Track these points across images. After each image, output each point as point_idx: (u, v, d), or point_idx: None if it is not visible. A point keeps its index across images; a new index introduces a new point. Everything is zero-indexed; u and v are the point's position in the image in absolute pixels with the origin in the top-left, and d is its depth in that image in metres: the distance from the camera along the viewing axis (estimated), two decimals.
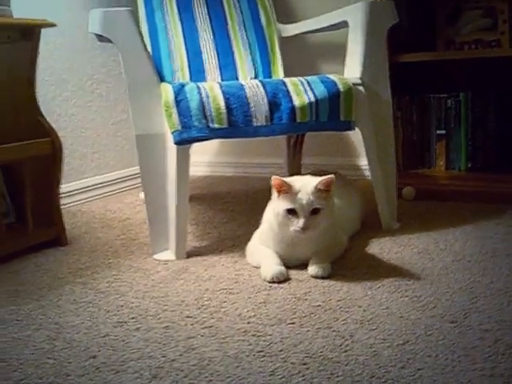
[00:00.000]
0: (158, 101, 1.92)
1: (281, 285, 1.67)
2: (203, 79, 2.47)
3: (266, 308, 1.52)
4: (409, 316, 1.44)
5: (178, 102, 1.88)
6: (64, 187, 2.35)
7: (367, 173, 2.30)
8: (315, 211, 1.69)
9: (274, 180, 1.71)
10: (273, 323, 1.43)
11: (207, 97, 1.88)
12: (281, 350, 1.30)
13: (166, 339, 1.38)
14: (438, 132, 2.61)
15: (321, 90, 1.96)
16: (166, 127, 1.91)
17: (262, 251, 1.81)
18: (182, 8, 2.60)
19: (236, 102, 1.89)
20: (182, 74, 2.46)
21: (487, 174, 2.50)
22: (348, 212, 2.00)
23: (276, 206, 1.73)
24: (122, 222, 2.46)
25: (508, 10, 2.48)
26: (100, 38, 2.06)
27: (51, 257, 2.03)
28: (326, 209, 1.71)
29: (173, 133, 1.88)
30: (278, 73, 2.58)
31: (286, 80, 2.00)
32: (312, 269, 1.73)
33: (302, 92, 1.94)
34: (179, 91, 1.90)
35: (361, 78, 2.07)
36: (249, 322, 1.45)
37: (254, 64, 2.58)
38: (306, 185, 1.71)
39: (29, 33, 2.04)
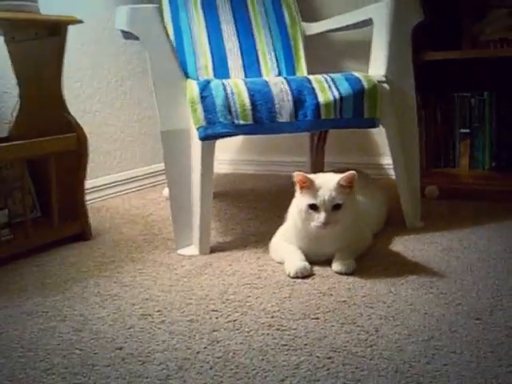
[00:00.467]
0: (183, 97, 1.93)
1: (305, 280, 1.68)
2: (227, 76, 2.48)
3: (290, 303, 1.53)
4: (433, 312, 1.43)
5: (203, 98, 1.89)
6: (89, 183, 2.37)
7: (390, 172, 2.30)
8: (337, 207, 1.69)
9: (297, 175, 1.72)
10: (297, 318, 1.44)
11: (232, 93, 1.89)
12: (305, 344, 1.31)
13: (190, 332, 1.39)
14: (462, 131, 2.60)
15: (345, 87, 1.96)
16: (191, 123, 1.92)
17: (286, 247, 1.82)
18: (206, 6, 2.61)
19: (261, 99, 1.89)
20: (206, 72, 2.47)
21: (511, 173, 2.48)
22: (372, 209, 2.00)
23: (299, 202, 1.74)
24: (145, 217, 2.47)
25: None
26: (126, 34, 2.07)
27: (76, 251, 2.05)
28: (347, 204, 1.71)
29: (198, 129, 1.89)
30: (302, 71, 2.58)
31: (311, 77, 2.00)
32: (336, 265, 1.73)
33: (326, 89, 1.95)
34: (204, 87, 1.91)
35: (385, 76, 2.06)
36: (273, 317, 1.45)
37: (277, 63, 2.58)
38: (327, 181, 1.72)
39: (56, 29, 2.06)
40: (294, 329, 1.38)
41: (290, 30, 2.67)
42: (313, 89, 1.94)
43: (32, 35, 2.09)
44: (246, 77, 2.50)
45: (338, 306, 1.49)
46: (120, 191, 2.92)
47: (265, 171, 3.30)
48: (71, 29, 2.10)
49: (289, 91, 1.92)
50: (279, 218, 1.96)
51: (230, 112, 1.88)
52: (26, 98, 2.23)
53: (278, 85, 1.93)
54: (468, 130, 2.58)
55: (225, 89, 1.91)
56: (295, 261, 1.73)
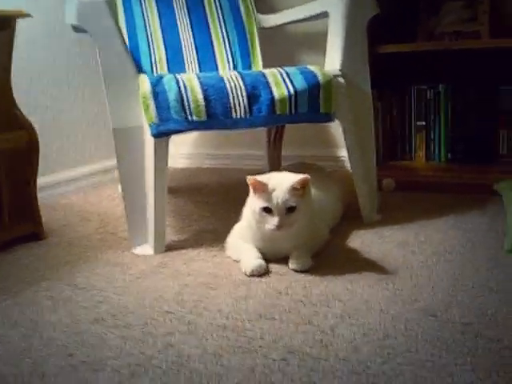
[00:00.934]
0: (135, 93, 1.89)
1: (261, 279, 1.66)
2: (182, 71, 2.43)
3: (246, 303, 1.51)
4: (389, 310, 1.43)
5: (155, 94, 1.85)
6: (41, 180, 2.31)
7: (347, 164, 2.29)
8: (291, 209, 1.68)
9: (250, 180, 1.70)
10: (252, 318, 1.42)
11: (185, 88, 1.86)
12: (261, 346, 1.29)
13: (144, 336, 1.36)
14: (418, 123, 2.61)
15: (300, 82, 1.94)
16: (144, 120, 1.88)
17: (242, 245, 1.80)
18: (160, 0, 2.57)
19: (215, 94, 1.86)
20: (161, 67, 2.43)
21: (467, 165, 2.50)
22: (328, 204, 1.99)
23: (252, 204, 1.72)
24: (100, 215, 2.43)
25: (488, 1, 2.47)
26: (76, 28, 2.02)
27: (28, 251, 2.00)
28: (301, 206, 1.70)
29: (150, 125, 1.85)
30: (258, 64, 2.56)
31: (266, 71, 1.98)
32: (292, 262, 1.72)
33: (281, 83, 1.92)
34: (157, 83, 1.87)
35: (341, 70, 2.05)
36: (228, 318, 1.43)
37: (233, 56, 2.55)
38: (281, 183, 1.69)
39: (4, 24, 1.99)
40: (250, 330, 1.36)
41: (245, 22, 2.63)
42: (267, 83, 1.92)
43: None
44: (201, 71, 2.46)
45: (294, 306, 1.48)
46: (75, 188, 2.86)
47: (221, 165, 3.27)
48: (21, 23, 2.04)
49: (243, 86, 1.89)
50: (235, 215, 1.94)
51: (183, 108, 1.84)
52: None
53: (232, 80, 1.91)
54: (424, 123, 2.59)
55: (178, 84, 1.87)
56: (251, 259, 1.72)
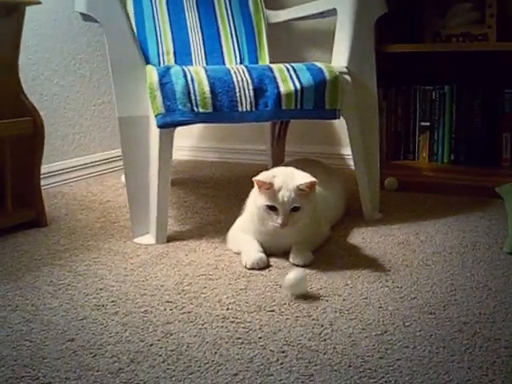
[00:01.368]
0: (142, 83, 1.90)
1: (261, 272, 1.67)
2: (189, 63, 2.44)
3: (246, 295, 1.52)
4: (388, 306, 1.44)
5: (162, 85, 1.86)
6: (45, 168, 2.32)
7: (350, 162, 2.30)
8: (295, 209, 1.69)
9: (256, 181, 1.70)
10: (252, 310, 1.43)
11: (192, 80, 1.87)
12: (260, 338, 1.30)
13: (144, 324, 1.37)
14: (423, 124, 2.61)
15: (307, 78, 1.95)
16: (150, 110, 1.89)
17: (243, 238, 1.81)
18: None
19: (221, 87, 1.87)
20: (168, 58, 2.43)
21: (470, 167, 2.50)
22: (330, 201, 2.00)
23: (257, 201, 1.72)
24: (102, 204, 2.43)
25: (496, 4, 2.47)
26: (85, 16, 2.03)
27: (30, 238, 2.01)
28: (306, 207, 1.70)
29: (156, 116, 1.86)
30: (265, 59, 2.56)
31: (273, 66, 1.99)
32: (293, 257, 1.73)
33: (288, 79, 1.93)
34: (164, 74, 1.88)
35: (347, 67, 2.06)
36: (228, 309, 1.44)
37: (240, 50, 2.56)
38: (287, 182, 1.69)
39: (13, 10, 2.00)
40: (249, 322, 1.37)
41: (253, 17, 2.64)
42: (274, 78, 1.93)
43: None
44: (207, 64, 2.46)
45: (293, 299, 1.49)
46: (78, 176, 2.87)
47: (225, 159, 3.28)
48: (29, 10, 2.05)
49: (249, 80, 1.90)
50: (238, 208, 1.95)
51: (189, 100, 1.85)
52: None
53: (239, 73, 1.91)
54: (428, 123, 2.60)
55: (185, 76, 1.88)
56: (252, 252, 1.72)
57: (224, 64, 2.49)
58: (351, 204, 2.19)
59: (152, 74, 1.88)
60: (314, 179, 1.70)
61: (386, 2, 2.14)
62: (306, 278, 1.53)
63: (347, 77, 2.04)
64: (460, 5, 2.56)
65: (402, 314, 1.40)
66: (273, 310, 1.43)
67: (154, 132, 1.88)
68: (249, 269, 1.69)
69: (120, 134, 1.91)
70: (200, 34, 2.52)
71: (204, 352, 1.24)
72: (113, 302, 1.49)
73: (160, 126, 1.85)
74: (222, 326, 1.35)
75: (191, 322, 1.38)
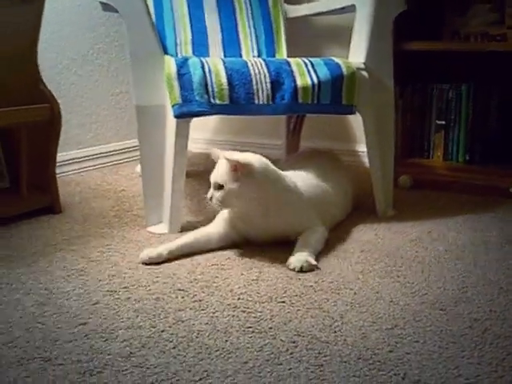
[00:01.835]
0: (160, 73, 1.91)
1: (273, 263, 1.67)
2: (206, 54, 2.45)
3: (258, 285, 1.53)
4: (398, 301, 1.44)
5: (180, 76, 1.86)
6: (61, 156, 2.34)
7: (365, 159, 2.30)
8: (220, 187, 1.70)
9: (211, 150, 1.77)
10: (263, 300, 1.44)
11: (210, 72, 1.87)
12: (270, 328, 1.31)
13: (156, 310, 1.38)
14: (438, 122, 2.60)
15: (324, 72, 1.95)
16: (167, 100, 1.89)
17: (196, 230, 1.84)
18: None
19: (239, 79, 1.88)
20: (185, 48, 2.44)
21: (484, 167, 2.50)
22: (331, 196, 1.98)
23: None
24: (117, 193, 2.45)
25: None
26: (105, 6, 2.05)
27: (44, 224, 2.02)
28: (233, 187, 1.69)
29: (173, 106, 1.87)
30: (282, 53, 2.57)
31: (290, 60, 1.99)
32: (289, 260, 1.67)
33: (305, 73, 1.93)
34: (182, 64, 1.89)
35: (365, 63, 2.06)
36: (239, 298, 1.45)
37: (257, 43, 2.56)
38: (223, 162, 1.72)
39: None
40: (260, 311, 1.38)
41: (272, 10, 2.64)
42: (291, 72, 1.93)
43: (7, 2, 2.04)
44: (225, 56, 2.47)
45: (304, 291, 1.49)
46: (93, 166, 2.89)
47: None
48: None
49: (267, 73, 1.90)
50: None
51: (206, 91, 1.86)
52: None
53: (256, 66, 1.92)
54: (444, 122, 2.59)
55: (203, 67, 1.88)
56: (159, 247, 1.73)
57: (241, 56, 2.49)
58: (365, 201, 2.19)
59: (170, 64, 1.89)
60: (247, 162, 1.70)
61: None
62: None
63: (364, 73, 2.04)
64: (480, 5, 2.56)
65: (412, 309, 1.40)
66: (284, 301, 1.44)
67: (171, 122, 1.89)
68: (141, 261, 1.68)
69: (137, 121, 1.92)
70: (218, 25, 2.52)
71: (215, 340, 1.25)
72: (125, 288, 1.51)
73: (177, 116, 1.86)
74: (233, 315, 1.36)
75: (202, 309, 1.39)
